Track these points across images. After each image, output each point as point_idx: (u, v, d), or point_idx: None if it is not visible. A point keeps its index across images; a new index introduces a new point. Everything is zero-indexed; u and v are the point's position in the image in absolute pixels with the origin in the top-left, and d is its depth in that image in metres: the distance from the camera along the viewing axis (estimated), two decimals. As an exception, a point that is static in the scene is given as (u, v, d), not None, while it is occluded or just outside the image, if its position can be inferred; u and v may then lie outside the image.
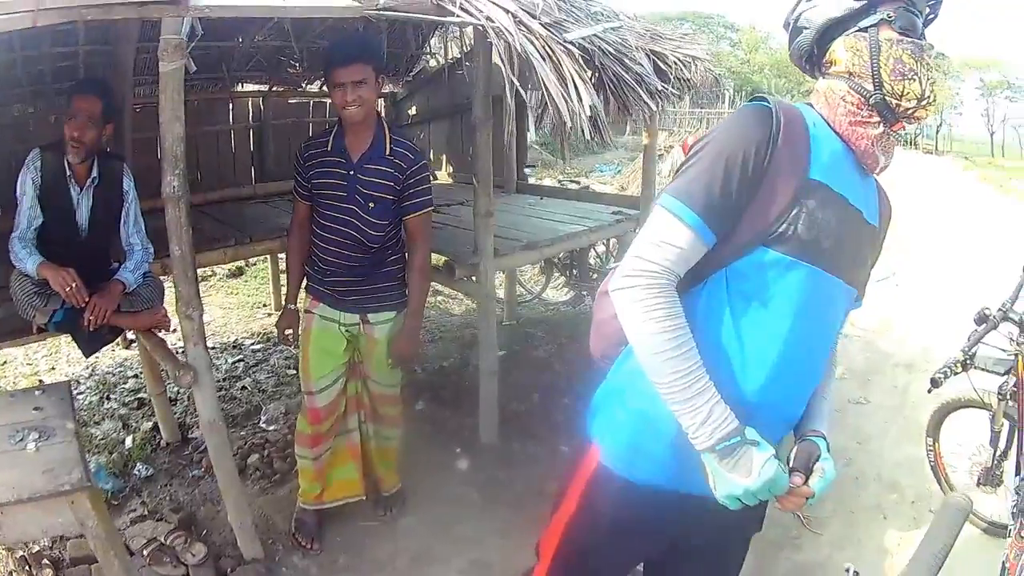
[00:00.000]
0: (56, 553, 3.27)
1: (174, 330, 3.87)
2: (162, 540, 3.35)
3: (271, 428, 4.58)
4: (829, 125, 1.67)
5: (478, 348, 4.31)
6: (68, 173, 3.20)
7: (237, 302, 7.29)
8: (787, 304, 1.58)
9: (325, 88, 6.16)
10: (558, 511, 1.92)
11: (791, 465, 1.57)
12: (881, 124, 1.63)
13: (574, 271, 7.00)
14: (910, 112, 1.61)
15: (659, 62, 3.97)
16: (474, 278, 4.09)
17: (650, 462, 1.70)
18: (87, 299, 3.02)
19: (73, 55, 4.35)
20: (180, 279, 2.82)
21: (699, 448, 1.51)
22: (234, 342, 6.16)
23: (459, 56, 5.86)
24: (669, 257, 1.54)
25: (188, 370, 2.82)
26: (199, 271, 3.27)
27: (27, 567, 3.18)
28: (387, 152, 3.05)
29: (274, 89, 6.03)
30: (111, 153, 3.42)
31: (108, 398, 5.16)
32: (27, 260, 3.03)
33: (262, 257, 6.84)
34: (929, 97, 1.60)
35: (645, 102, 3.65)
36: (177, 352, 3.70)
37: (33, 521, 2.34)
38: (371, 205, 3.04)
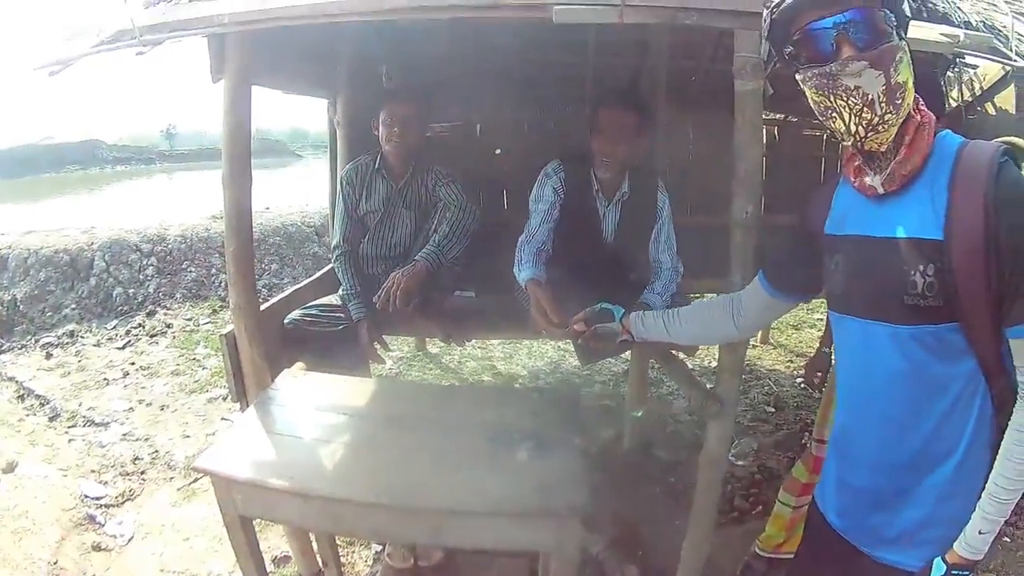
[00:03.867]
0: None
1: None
2: (593, 552, 3.29)
3: (739, 463, 4.41)
4: None
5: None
6: (595, 187, 3.20)
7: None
8: (837, 347, 1.78)
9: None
10: None
11: None
12: (856, 153, 1.61)
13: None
14: (859, 146, 1.55)
15: None
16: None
17: (821, 489, 1.88)
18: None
19: (579, 64, 4.47)
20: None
21: None
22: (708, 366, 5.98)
23: (971, 99, 5.26)
24: (741, 292, 2.14)
25: (715, 401, 2.67)
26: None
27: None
28: None
29: (789, 119, 5.80)
30: (646, 168, 3.39)
31: (568, 396, 5.24)
32: (523, 269, 2.98)
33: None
34: (859, 130, 1.49)
35: None
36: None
37: (495, 531, 2.12)
38: None
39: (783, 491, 3.26)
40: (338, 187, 3.62)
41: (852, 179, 1.62)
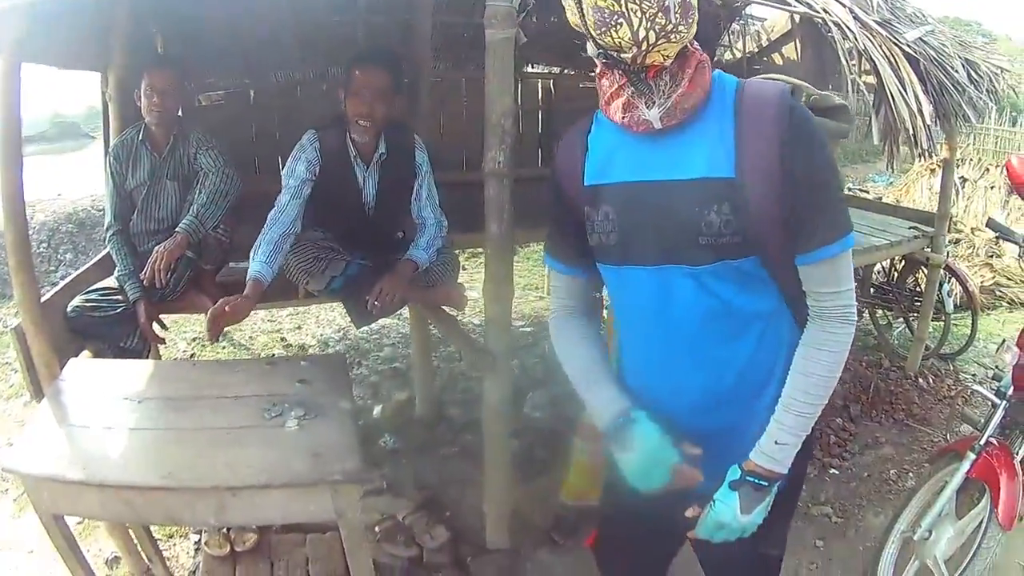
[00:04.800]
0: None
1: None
2: (400, 518, 3.28)
3: (536, 415, 4.45)
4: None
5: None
6: (353, 153, 3.12)
7: (507, 282, 7.28)
8: (619, 303, 1.72)
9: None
10: None
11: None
12: (627, 84, 1.47)
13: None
14: (640, 60, 1.39)
15: (972, 71, 3.81)
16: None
17: None
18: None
19: (351, 23, 4.43)
20: (493, 259, 2.69)
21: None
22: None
23: (756, 50, 5.52)
24: (558, 297, 1.82)
25: (486, 355, 2.68)
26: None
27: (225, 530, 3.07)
28: None
29: (564, 72, 5.87)
30: (401, 125, 3.31)
31: (359, 364, 5.24)
32: (256, 257, 2.83)
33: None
34: (647, 38, 1.36)
35: (965, 112, 3.64)
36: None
37: (276, 506, 2.07)
38: None
39: (580, 439, 3.27)
40: (105, 164, 3.45)
41: (620, 116, 1.51)
